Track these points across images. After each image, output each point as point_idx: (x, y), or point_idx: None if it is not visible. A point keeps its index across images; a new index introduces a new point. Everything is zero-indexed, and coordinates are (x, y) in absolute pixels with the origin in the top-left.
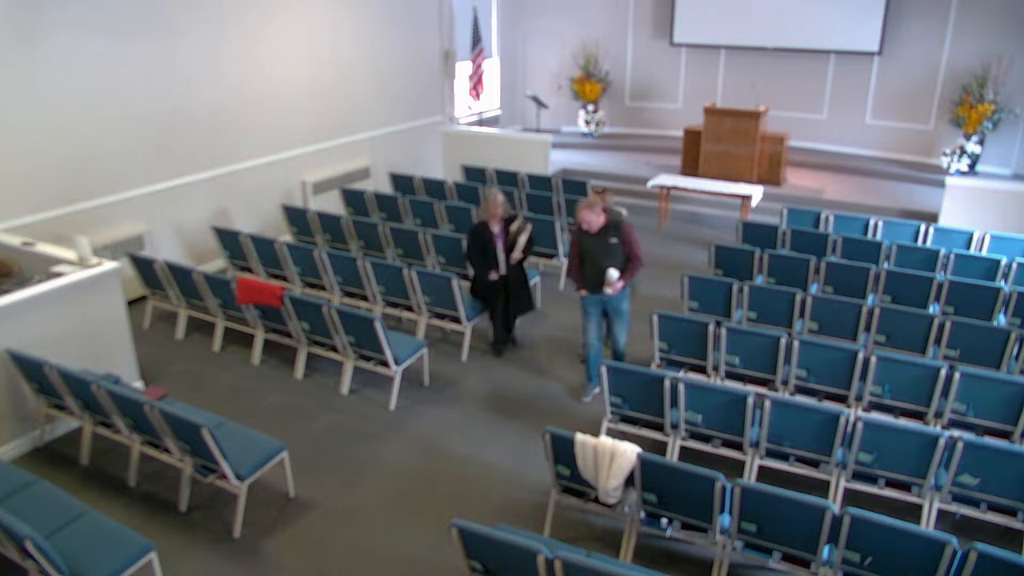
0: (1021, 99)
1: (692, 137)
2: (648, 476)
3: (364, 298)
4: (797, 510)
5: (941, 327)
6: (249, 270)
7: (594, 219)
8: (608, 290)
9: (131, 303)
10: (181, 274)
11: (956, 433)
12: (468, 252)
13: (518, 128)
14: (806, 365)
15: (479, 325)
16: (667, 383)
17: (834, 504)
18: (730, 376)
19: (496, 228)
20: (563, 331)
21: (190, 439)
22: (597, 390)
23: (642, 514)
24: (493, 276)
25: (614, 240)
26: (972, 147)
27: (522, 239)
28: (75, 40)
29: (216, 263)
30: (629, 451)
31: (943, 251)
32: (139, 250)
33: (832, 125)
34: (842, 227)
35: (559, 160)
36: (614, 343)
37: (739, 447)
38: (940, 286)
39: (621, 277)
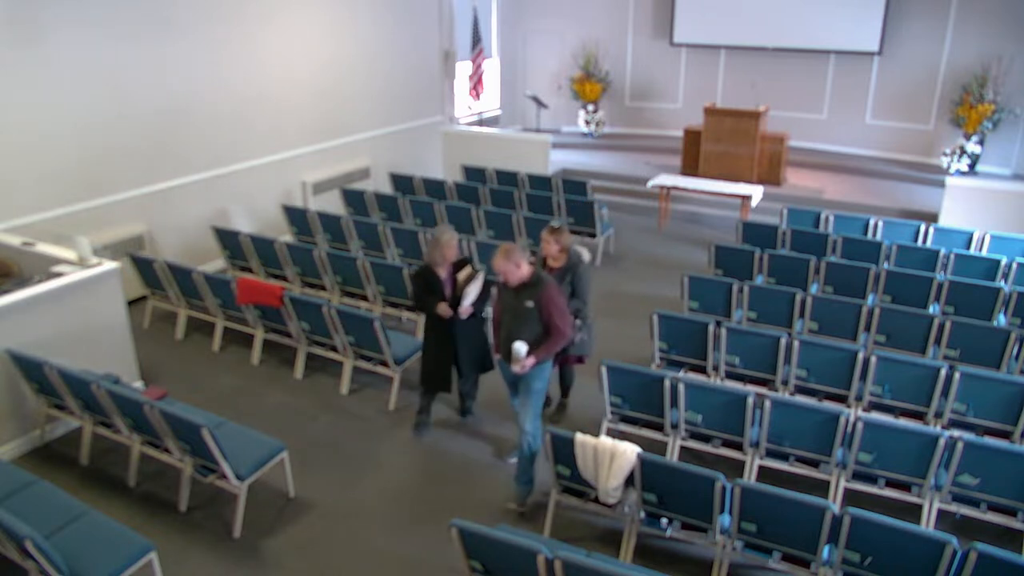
0: (1021, 99)
1: (692, 137)
2: (648, 476)
3: (364, 298)
4: (797, 510)
5: (941, 327)
6: (249, 270)
7: (511, 270)
8: (515, 367)
9: (131, 303)
10: (181, 274)
11: (956, 433)
12: (414, 299)
13: (518, 128)
14: (806, 365)
15: None
16: (667, 383)
17: (834, 504)
18: (730, 376)
19: (444, 274)
20: None
21: (190, 439)
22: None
23: (642, 514)
24: (443, 308)
25: (530, 304)
26: (972, 147)
27: (472, 289)
28: (75, 40)
29: (216, 263)
30: (629, 451)
31: (943, 251)
32: (139, 250)
33: (832, 125)
34: (842, 227)
35: (559, 160)
36: (518, 426)
37: (739, 447)
38: (940, 286)
39: (532, 353)
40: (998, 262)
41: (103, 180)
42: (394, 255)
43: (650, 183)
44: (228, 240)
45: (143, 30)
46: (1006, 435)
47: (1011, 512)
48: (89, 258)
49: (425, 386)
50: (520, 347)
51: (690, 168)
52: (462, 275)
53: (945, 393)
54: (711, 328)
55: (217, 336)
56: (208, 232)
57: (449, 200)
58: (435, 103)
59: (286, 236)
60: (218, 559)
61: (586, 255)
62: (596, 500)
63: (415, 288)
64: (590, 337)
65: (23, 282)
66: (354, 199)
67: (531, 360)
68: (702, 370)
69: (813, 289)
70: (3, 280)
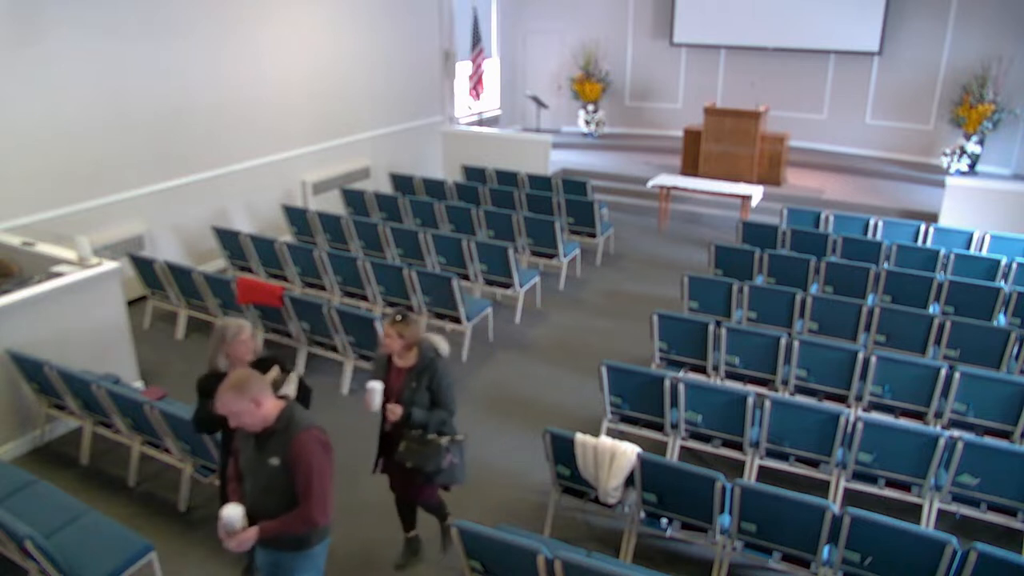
0: (1021, 99)
1: (692, 137)
2: (648, 476)
3: (364, 298)
4: (797, 510)
5: (941, 327)
6: (249, 270)
7: (247, 411)
8: (229, 543)
9: (131, 303)
10: (181, 274)
11: (956, 433)
12: (194, 418)
13: (518, 128)
14: (806, 365)
15: (479, 324)
16: (667, 383)
17: (834, 504)
18: (730, 376)
19: None
20: (563, 331)
21: (190, 439)
22: None
23: (642, 514)
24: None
25: (274, 462)
26: (972, 147)
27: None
28: (75, 40)
29: (216, 263)
30: (629, 451)
31: (943, 251)
32: (139, 250)
33: (832, 125)
34: (842, 227)
35: (559, 160)
36: None
37: (739, 447)
38: (940, 286)
39: (258, 524)
40: (998, 262)
41: (103, 180)
42: (394, 255)
43: (650, 183)
44: (228, 240)
45: (143, 30)
46: (1006, 435)
47: (1011, 512)
48: (89, 258)
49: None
50: (231, 514)
51: (690, 168)
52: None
53: (945, 393)
54: (711, 328)
55: None
56: (208, 232)
57: (449, 200)
58: (435, 103)
59: (286, 236)
60: (218, 559)
61: (444, 346)
62: (596, 500)
63: (199, 404)
64: (462, 460)
65: (23, 282)
66: (354, 199)
67: (251, 533)
68: (702, 370)
69: (813, 289)
70: (3, 280)
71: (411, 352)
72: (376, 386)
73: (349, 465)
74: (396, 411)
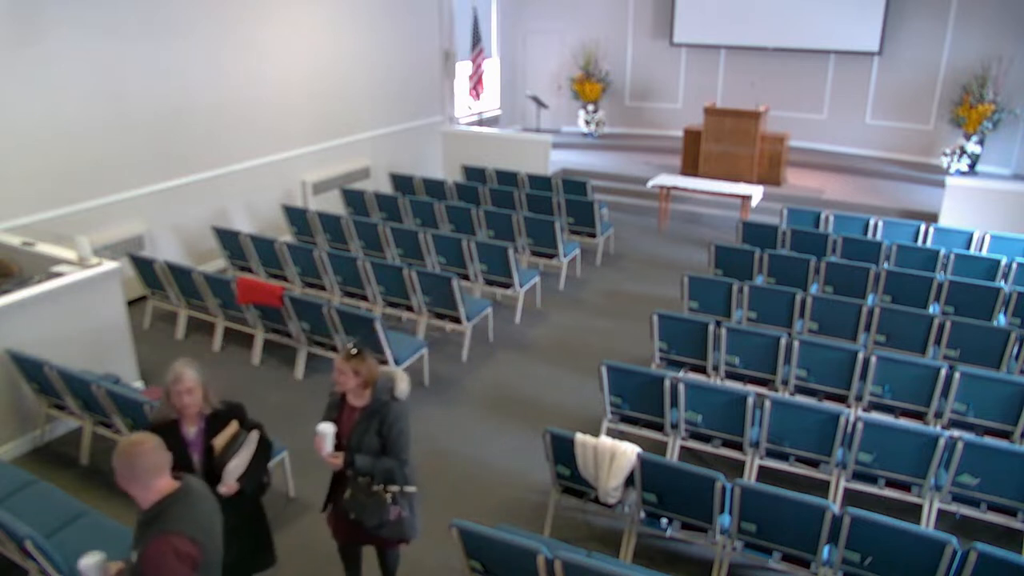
0: (1021, 99)
1: (692, 137)
2: (648, 476)
3: (364, 298)
4: (797, 510)
5: (941, 327)
6: (249, 270)
7: (138, 492)
8: None
9: (131, 303)
10: (181, 274)
11: (956, 433)
12: None
13: (518, 128)
14: (806, 365)
15: (479, 324)
16: (667, 383)
17: (834, 504)
18: (730, 376)
19: (192, 432)
20: (563, 331)
21: None
22: None
23: (642, 514)
24: None
25: (133, 557)
26: (972, 147)
27: (235, 464)
28: (75, 40)
29: (216, 263)
30: (629, 451)
31: (943, 251)
32: (139, 250)
33: (832, 125)
34: (842, 227)
35: (559, 160)
36: None
37: (739, 447)
38: (940, 286)
39: None
40: (998, 262)
41: (103, 180)
42: (394, 255)
43: (650, 183)
44: (228, 240)
45: (143, 30)
46: (1006, 435)
47: (1011, 512)
48: (89, 258)
49: None
50: (86, 565)
51: (690, 168)
52: (221, 440)
53: (945, 393)
54: (711, 328)
55: (217, 336)
56: (208, 232)
57: (449, 200)
58: (435, 103)
59: (286, 236)
60: None
61: (402, 386)
62: (596, 500)
63: None
64: (412, 513)
65: (23, 282)
66: (354, 199)
67: None
68: (702, 370)
69: (813, 289)
70: (3, 280)
71: (367, 391)
72: (327, 429)
73: None
74: (336, 460)
